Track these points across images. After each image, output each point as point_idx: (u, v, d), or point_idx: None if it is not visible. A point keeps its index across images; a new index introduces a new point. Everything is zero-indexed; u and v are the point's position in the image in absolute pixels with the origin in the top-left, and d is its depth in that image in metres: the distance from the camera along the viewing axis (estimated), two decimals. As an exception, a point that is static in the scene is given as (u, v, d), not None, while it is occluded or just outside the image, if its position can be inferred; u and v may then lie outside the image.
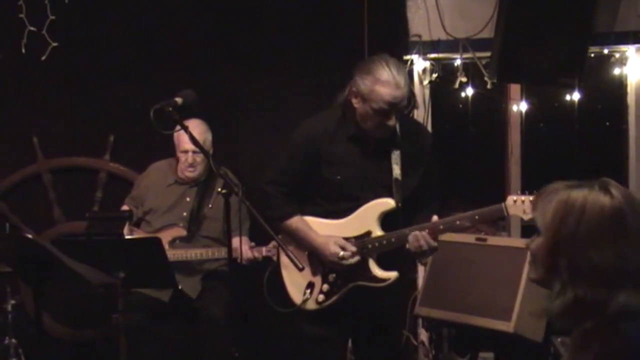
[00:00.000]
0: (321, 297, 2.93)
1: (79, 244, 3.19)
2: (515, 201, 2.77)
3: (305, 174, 2.97)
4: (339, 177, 2.93)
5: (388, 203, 2.91)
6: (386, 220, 2.93)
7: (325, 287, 2.93)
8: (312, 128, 2.99)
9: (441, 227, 2.86)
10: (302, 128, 3.01)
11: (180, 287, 3.62)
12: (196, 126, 3.69)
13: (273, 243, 3.42)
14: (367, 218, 2.92)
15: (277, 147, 3.21)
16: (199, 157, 3.82)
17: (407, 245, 2.85)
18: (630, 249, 1.60)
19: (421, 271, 4.39)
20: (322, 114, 3.05)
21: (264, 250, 3.65)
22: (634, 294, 1.59)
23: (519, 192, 2.85)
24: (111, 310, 3.22)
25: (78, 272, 2.78)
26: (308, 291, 2.94)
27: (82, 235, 3.23)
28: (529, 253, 1.77)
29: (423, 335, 4.28)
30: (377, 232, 2.90)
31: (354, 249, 2.89)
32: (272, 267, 3.03)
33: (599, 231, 1.61)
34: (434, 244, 2.85)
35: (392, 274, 2.89)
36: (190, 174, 3.88)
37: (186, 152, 3.83)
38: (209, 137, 3.88)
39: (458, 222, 2.84)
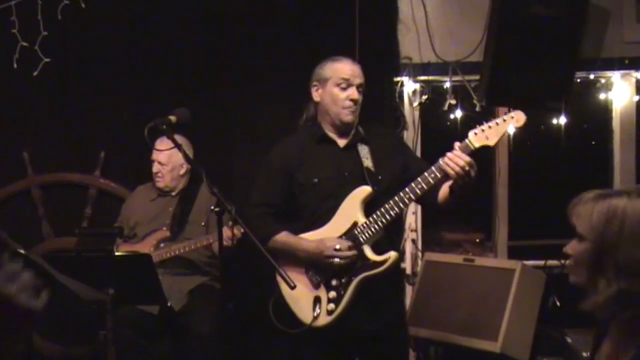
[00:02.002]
0: (331, 306, 2.89)
1: (69, 259, 3.20)
2: (476, 134, 2.78)
3: (286, 190, 3.01)
4: (316, 180, 2.98)
5: (364, 190, 2.93)
6: (368, 209, 2.93)
7: (332, 294, 2.90)
8: (282, 146, 3.11)
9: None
10: (274, 149, 3.13)
11: (169, 304, 3.62)
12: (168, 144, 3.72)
13: None
14: (349, 211, 2.93)
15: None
16: (165, 169, 3.97)
17: (444, 167, 2.73)
18: None
19: (409, 291, 4.41)
20: (290, 135, 3.16)
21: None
22: None
23: (476, 127, 2.83)
24: (100, 327, 3.21)
25: (70, 288, 2.77)
26: (317, 307, 2.90)
27: (72, 251, 3.23)
28: (570, 260, 1.95)
29: (411, 354, 4.29)
30: (362, 219, 2.90)
31: (348, 242, 2.89)
32: (275, 295, 2.99)
33: None
34: (468, 157, 2.73)
35: (391, 253, 2.87)
36: (157, 183, 4.02)
37: (153, 161, 3.99)
38: (180, 155, 3.90)
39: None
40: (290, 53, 4.35)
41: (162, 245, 3.89)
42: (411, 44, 4.45)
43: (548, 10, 4.09)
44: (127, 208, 4.12)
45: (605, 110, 4.74)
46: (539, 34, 4.11)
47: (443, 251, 4.44)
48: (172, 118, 2.85)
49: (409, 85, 4.49)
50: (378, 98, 4.39)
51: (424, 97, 4.51)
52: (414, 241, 4.48)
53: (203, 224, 3.85)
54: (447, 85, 4.46)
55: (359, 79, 3.02)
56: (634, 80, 4.63)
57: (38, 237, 4.46)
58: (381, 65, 4.38)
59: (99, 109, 4.44)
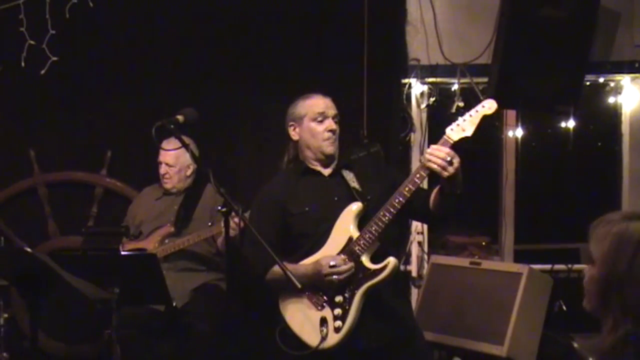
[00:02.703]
0: (338, 323, 2.86)
1: (74, 258, 3.19)
2: (452, 129, 2.80)
3: (279, 225, 3.03)
4: (307, 209, 3.01)
5: (355, 205, 2.95)
6: (361, 225, 2.93)
7: (337, 311, 2.88)
8: (269, 185, 3.15)
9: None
10: (261, 189, 3.17)
11: (175, 304, 3.61)
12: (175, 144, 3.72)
13: None
14: (343, 228, 2.94)
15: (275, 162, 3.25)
16: (172, 170, 3.99)
17: (426, 164, 2.74)
18: None
19: (415, 294, 4.40)
20: (274, 177, 3.19)
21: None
22: None
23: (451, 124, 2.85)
24: (105, 326, 3.20)
25: (75, 287, 2.77)
26: (324, 328, 2.88)
27: (78, 250, 3.23)
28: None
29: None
30: (356, 234, 2.91)
31: (342, 256, 2.88)
32: (281, 326, 2.96)
33: None
34: (447, 149, 2.74)
35: (390, 259, 2.86)
36: (165, 184, 4.04)
37: (160, 163, 4.01)
38: (188, 154, 3.90)
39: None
40: (299, 54, 4.35)
41: (166, 241, 3.89)
42: (419, 45, 4.44)
43: (557, 12, 4.08)
44: (133, 209, 4.14)
45: (614, 114, 4.72)
46: (548, 36, 4.10)
47: (449, 254, 4.42)
48: (180, 117, 2.83)
49: (416, 87, 4.48)
50: (385, 100, 4.41)
51: (432, 99, 4.50)
52: (420, 244, 4.47)
53: (210, 224, 3.84)
54: (455, 87, 4.45)
55: (332, 110, 3.07)
56: (644, 84, 4.62)
57: (44, 236, 4.46)
58: (389, 67, 4.38)
59: (106, 108, 4.45)
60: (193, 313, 3.77)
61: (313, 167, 3.09)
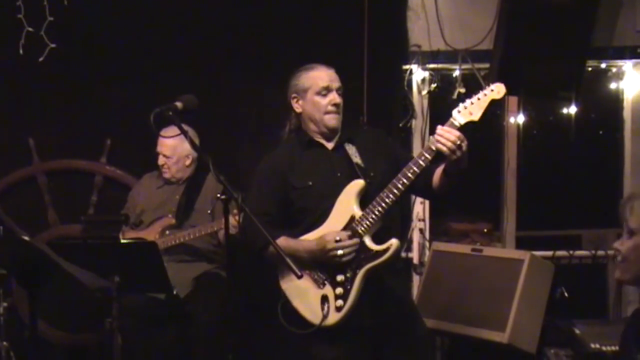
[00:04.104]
0: (339, 302, 2.87)
1: (74, 247, 3.17)
2: (459, 111, 2.78)
3: (281, 197, 3.01)
4: (310, 183, 2.98)
5: (357, 183, 2.93)
6: (363, 203, 2.91)
7: (339, 290, 2.88)
8: (272, 155, 3.12)
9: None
10: (264, 159, 3.13)
11: (175, 292, 3.61)
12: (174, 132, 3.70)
13: None
14: (345, 207, 2.93)
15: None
16: (170, 161, 3.98)
17: (435, 145, 2.73)
18: None
19: (416, 281, 4.40)
20: (277, 148, 3.16)
21: None
22: None
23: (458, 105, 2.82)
24: (106, 315, 3.20)
25: (75, 276, 2.77)
26: (325, 306, 2.88)
27: (78, 238, 3.22)
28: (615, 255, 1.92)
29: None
30: (359, 212, 2.90)
31: (347, 233, 2.87)
32: (283, 301, 2.97)
33: None
34: (457, 132, 2.73)
35: (392, 241, 2.85)
36: (164, 174, 4.03)
37: (159, 154, 3.99)
38: (186, 144, 3.88)
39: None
40: (298, 40, 4.32)
41: (167, 232, 3.89)
42: (420, 31, 4.42)
43: (559, -3, 4.06)
44: (134, 196, 4.13)
45: (616, 99, 4.71)
46: (550, 21, 4.08)
47: (450, 241, 4.42)
48: (179, 104, 2.81)
49: (418, 74, 4.46)
50: (387, 86, 4.39)
51: (433, 85, 4.48)
52: (421, 231, 4.47)
53: (209, 211, 3.84)
54: (457, 73, 4.43)
55: (336, 83, 3.04)
56: (645, 69, 4.60)
57: (44, 224, 4.45)
58: (390, 53, 4.36)
59: (105, 96, 4.42)
60: (194, 301, 3.77)
61: (316, 139, 3.06)
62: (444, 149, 2.73)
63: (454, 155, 2.73)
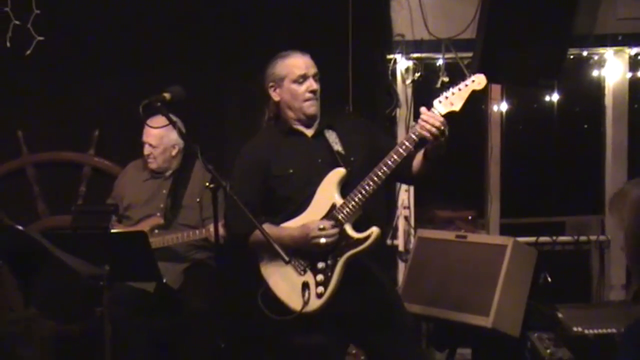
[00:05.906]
0: (320, 289, 2.89)
1: (64, 236, 3.19)
2: (440, 102, 2.83)
3: (262, 185, 3.02)
4: (291, 171, 2.99)
5: (338, 171, 2.95)
6: (345, 191, 2.93)
7: (320, 277, 2.89)
8: (252, 143, 3.12)
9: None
10: (244, 147, 3.13)
11: (164, 281, 3.65)
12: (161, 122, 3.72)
13: None
14: (326, 195, 2.94)
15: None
16: (156, 151, 3.97)
17: (417, 133, 2.77)
18: None
19: (402, 268, 4.45)
20: (256, 134, 3.16)
21: None
22: None
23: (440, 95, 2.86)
24: (96, 304, 3.22)
25: (67, 264, 2.80)
26: (306, 293, 2.89)
27: (68, 228, 3.24)
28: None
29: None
30: (340, 200, 2.91)
31: (330, 222, 2.89)
32: (263, 288, 2.98)
33: None
34: (442, 118, 2.78)
35: (373, 229, 2.87)
36: (150, 164, 4.02)
37: (144, 143, 3.99)
38: (172, 135, 3.91)
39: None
40: (283, 30, 4.34)
41: (155, 231, 3.88)
42: (404, 21, 4.45)
43: (541, -14, 4.10)
44: (119, 185, 4.12)
45: (598, 87, 4.75)
46: (531, 10, 4.11)
47: (436, 229, 4.47)
48: (167, 95, 2.84)
49: (401, 63, 4.50)
50: (371, 75, 4.42)
51: (417, 74, 4.52)
52: (406, 218, 4.51)
53: (198, 200, 3.85)
54: (440, 62, 4.47)
55: (313, 69, 3.03)
56: (627, 56, 4.65)
57: (33, 216, 4.47)
58: (374, 43, 4.38)
59: (92, 87, 4.43)
60: (186, 292, 3.80)
61: (296, 127, 3.07)
62: (427, 134, 2.77)
63: (436, 141, 2.78)
